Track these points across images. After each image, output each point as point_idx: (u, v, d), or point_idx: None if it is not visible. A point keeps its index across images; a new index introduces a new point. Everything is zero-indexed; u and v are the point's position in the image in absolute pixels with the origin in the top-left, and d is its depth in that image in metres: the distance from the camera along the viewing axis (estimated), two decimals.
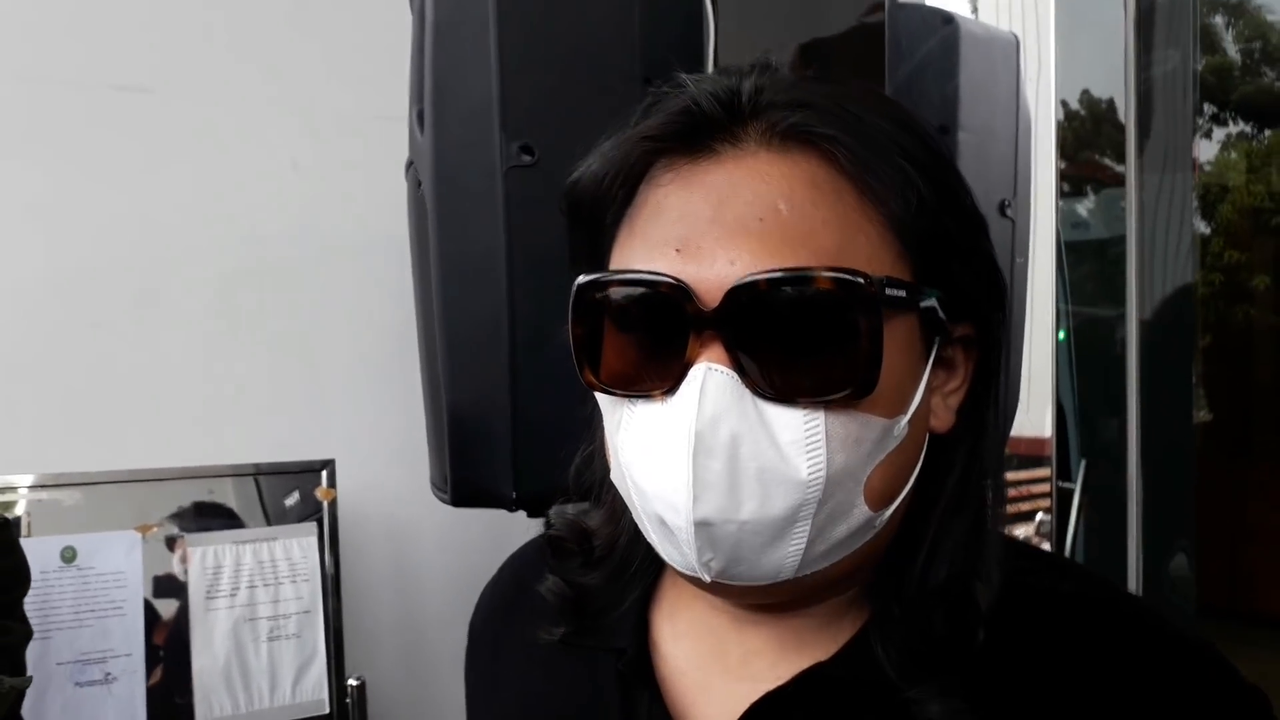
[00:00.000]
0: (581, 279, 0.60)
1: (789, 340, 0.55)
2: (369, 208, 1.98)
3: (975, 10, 1.75)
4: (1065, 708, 0.59)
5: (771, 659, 0.63)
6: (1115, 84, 1.60)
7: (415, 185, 1.22)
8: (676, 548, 0.58)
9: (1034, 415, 2.56)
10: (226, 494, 1.84)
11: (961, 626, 0.59)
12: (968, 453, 0.63)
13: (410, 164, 1.26)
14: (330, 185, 2.02)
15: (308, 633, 1.82)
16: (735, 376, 0.55)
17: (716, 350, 0.55)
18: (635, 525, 0.64)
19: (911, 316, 0.58)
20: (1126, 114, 1.66)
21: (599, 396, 0.63)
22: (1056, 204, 2.47)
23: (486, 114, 1.11)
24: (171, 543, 1.75)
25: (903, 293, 0.57)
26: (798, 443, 0.55)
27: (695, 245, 0.56)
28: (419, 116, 1.19)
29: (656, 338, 0.57)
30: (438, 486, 1.30)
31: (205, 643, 1.75)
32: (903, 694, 0.58)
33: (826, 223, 0.56)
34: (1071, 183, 2.29)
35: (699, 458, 0.55)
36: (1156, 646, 0.61)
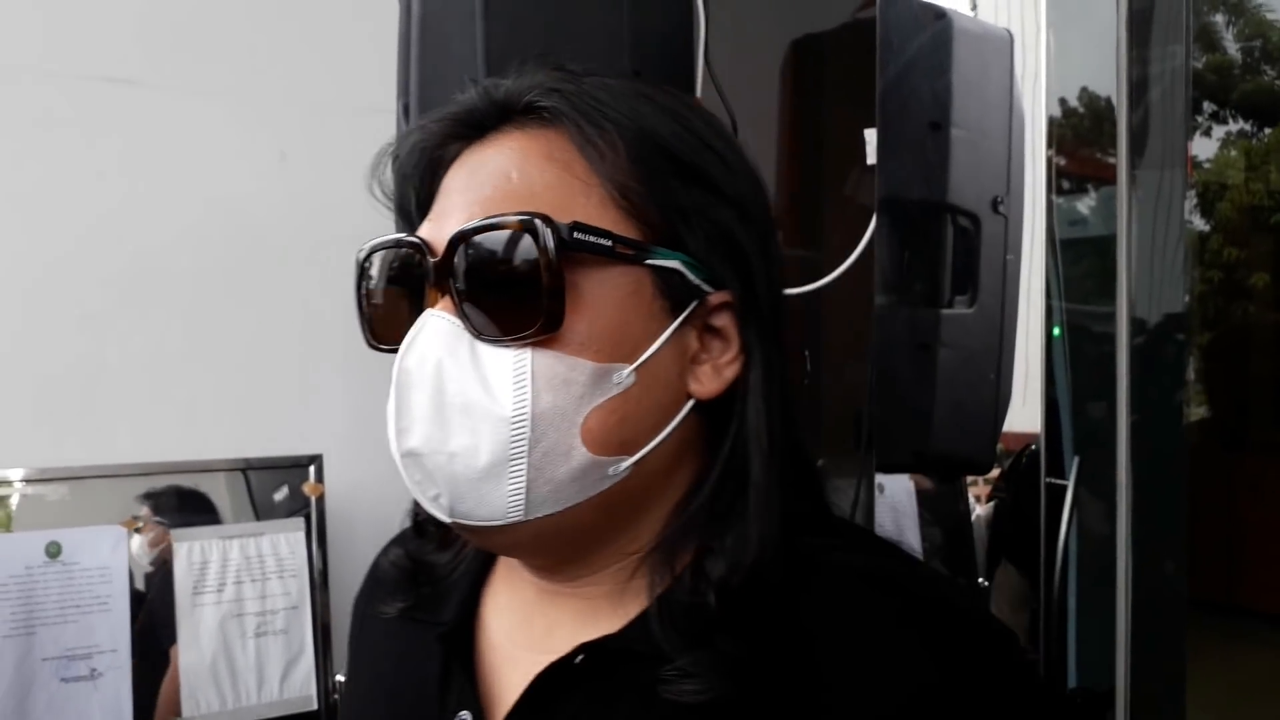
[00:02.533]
0: (361, 252, 0.68)
1: (492, 284, 0.61)
2: (357, 200, 1.96)
3: (974, 7, 1.74)
4: (834, 676, 0.60)
5: (571, 631, 0.66)
6: (1111, 81, 1.60)
7: None
8: (415, 487, 0.63)
9: (1029, 411, 2.55)
10: (216, 488, 1.83)
11: (729, 599, 0.61)
12: (739, 423, 0.65)
13: (395, 155, 1.25)
14: (318, 177, 2.01)
15: (295, 629, 1.81)
16: (456, 321, 0.61)
17: (440, 298, 0.62)
18: None
19: (636, 270, 0.62)
20: (1118, 110, 1.65)
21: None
22: (1050, 200, 2.46)
23: None
24: (158, 538, 1.74)
25: (607, 241, 0.61)
26: (504, 381, 0.60)
27: (441, 211, 0.64)
28: (405, 110, 1.18)
29: (407, 295, 0.64)
30: None
31: (192, 638, 1.74)
32: (672, 667, 0.60)
33: (549, 186, 0.62)
34: (1067, 180, 2.28)
35: (402, 390, 0.61)
36: (934, 621, 0.63)
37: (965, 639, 0.63)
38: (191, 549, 1.76)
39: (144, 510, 1.75)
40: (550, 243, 0.60)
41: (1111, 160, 1.83)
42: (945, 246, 1.43)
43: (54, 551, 1.65)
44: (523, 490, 0.60)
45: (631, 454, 0.63)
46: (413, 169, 0.69)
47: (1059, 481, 2.46)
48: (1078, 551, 2.49)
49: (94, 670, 1.66)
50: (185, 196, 1.93)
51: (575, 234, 0.60)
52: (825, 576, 0.64)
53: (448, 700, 0.69)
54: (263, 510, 1.87)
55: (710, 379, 0.66)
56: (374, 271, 0.67)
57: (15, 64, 1.83)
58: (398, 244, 0.65)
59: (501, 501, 0.61)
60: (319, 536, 1.85)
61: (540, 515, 0.62)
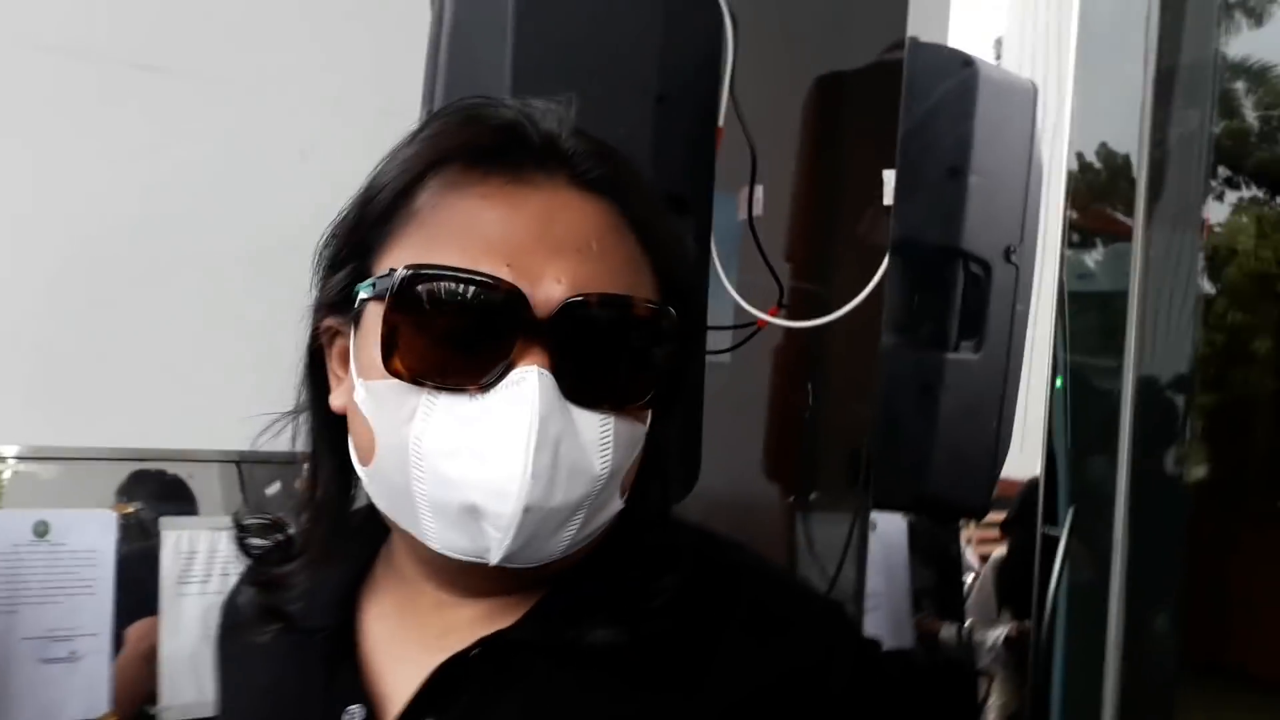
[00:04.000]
0: (408, 270, 0.64)
1: (604, 353, 0.64)
2: None
3: (999, 56, 1.75)
4: (714, 660, 0.68)
5: (466, 634, 0.69)
6: (1133, 139, 1.61)
7: None
8: (471, 534, 0.63)
9: (1026, 458, 2.55)
10: (209, 479, 1.83)
11: (636, 586, 0.68)
12: (658, 449, 0.72)
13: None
14: (335, 178, 2.01)
15: None
16: (553, 380, 0.62)
17: (542, 356, 0.62)
18: (344, 519, 0.73)
19: (674, 342, 0.69)
20: (1139, 170, 1.66)
21: (382, 389, 0.65)
22: (1063, 254, 2.46)
23: None
24: (145, 526, 1.74)
25: (672, 322, 0.68)
26: (594, 442, 0.64)
27: (524, 262, 0.63)
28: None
29: (479, 337, 0.63)
30: None
31: (174, 628, 1.73)
32: (564, 638, 0.66)
33: (623, 261, 0.67)
34: (1081, 233, 2.29)
35: (538, 451, 0.61)
36: (797, 610, 0.74)
37: (816, 621, 0.74)
38: (180, 538, 1.75)
39: (128, 501, 1.74)
40: (670, 334, 0.67)
41: (1126, 217, 1.83)
42: (955, 291, 1.44)
43: (42, 531, 1.64)
44: (573, 536, 0.65)
45: (627, 493, 0.70)
46: (409, 175, 0.68)
47: (1054, 532, 2.45)
48: (1067, 602, 2.49)
49: (73, 653, 1.65)
50: (203, 187, 1.94)
51: (673, 318, 0.68)
52: (701, 565, 0.71)
53: (333, 700, 0.70)
54: (254, 504, 1.86)
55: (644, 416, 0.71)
56: (431, 300, 0.64)
57: (49, 44, 1.84)
58: (487, 283, 0.63)
59: (554, 546, 0.65)
60: None
61: (567, 554, 0.67)
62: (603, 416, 0.64)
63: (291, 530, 0.78)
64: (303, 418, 0.78)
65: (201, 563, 1.76)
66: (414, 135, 0.71)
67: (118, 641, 1.69)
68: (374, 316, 0.66)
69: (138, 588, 1.71)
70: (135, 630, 1.70)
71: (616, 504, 0.68)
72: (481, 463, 0.62)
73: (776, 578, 0.79)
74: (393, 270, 0.65)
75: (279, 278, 1.97)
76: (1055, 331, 2.52)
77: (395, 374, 0.64)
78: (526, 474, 0.61)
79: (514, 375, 0.62)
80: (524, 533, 0.62)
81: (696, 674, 0.67)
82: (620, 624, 0.66)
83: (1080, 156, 2.14)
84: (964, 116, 1.33)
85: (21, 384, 1.83)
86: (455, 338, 0.64)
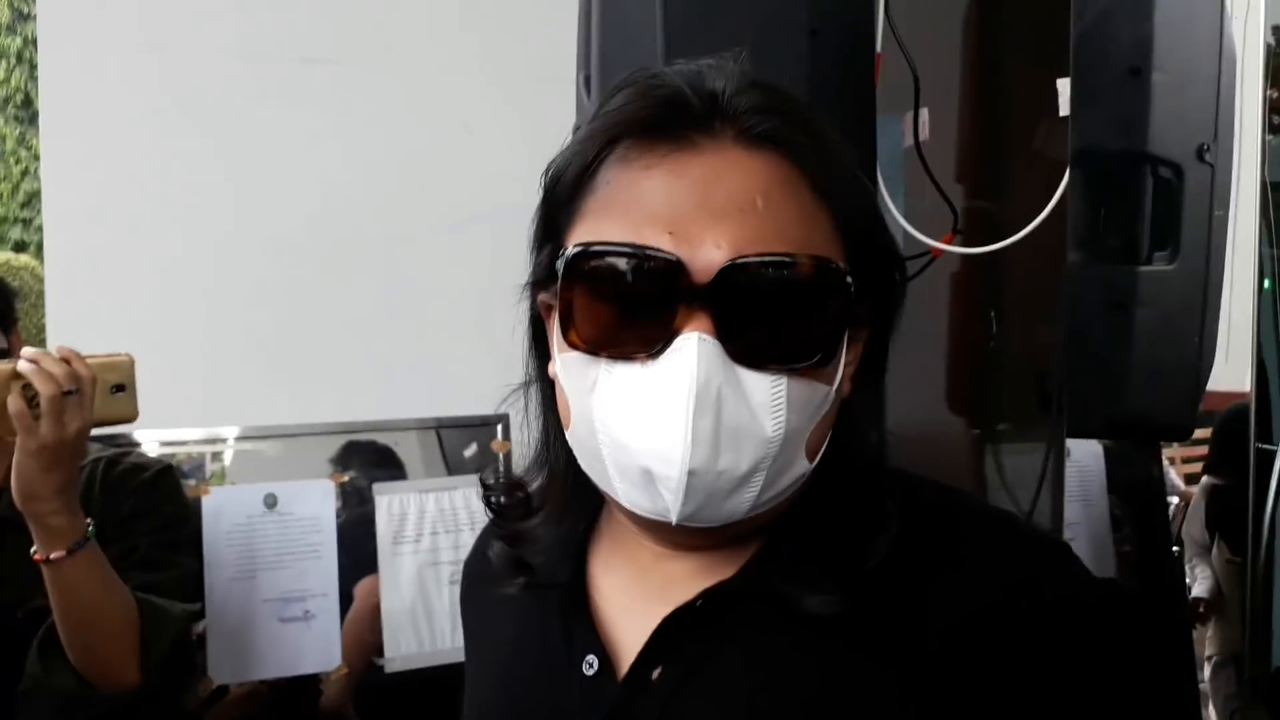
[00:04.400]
0: (577, 249, 0.67)
1: (769, 315, 0.64)
2: (539, 167, 2.01)
3: None
4: (927, 605, 0.68)
5: (687, 585, 0.71)
6: None
7: None
8: (651, 495, 0.66)
9: (1233, 369, 2.39)
10: (410, 445, 1.94)
11: (849, 546, 0.68)
12: (861, 412, 0.73)
13: (578, 128, 1.28)
14: (502, 145, 2.08)
15: None
16: (719, 345, 0.63)
17: (704, 321, 0.63)
18: (574, 478, 0.74)
19: (848, 295, 0.67)
20: None
21: (569, 359, 0.69)
22: (1264, 142, 2.28)
23: None
24: (361, 492, 1.87)
25: (850, 279, 0.66)
26: (765, 404, 0.64)
27: (685, 228, 0.64)
28: (585, 82, 1.21)
29: (643, 306, 0.65)
30: None
31: (393, 585, 1.86)
32: (783, 594, 0.68)
33: (795, 216, 0.66)
34: None
35: (697, 417, 0.62)
36: (1011, 544, 0.72)
37: (1033, 553, 0.72)
38: (391, 501, 1.87)
39: (343, 470, 1.87)
40: (841, 290, 0.65)
41: None
42: (1144, 199, 1.35)
43: (271, 502, 1.79)
44: (754, 498, 0.66)
45: (817, 454, 0.70)
46: (591, 153, 0.69)
47: (1269, 447, 2.30)
48: None
49: (307, 612, 1.80)
50: (378, 168, 2.03)
51: (849, 278, 0.66)
52: (914, 515, 0.70)
53: (573, 651, 0.74)
54: (453, 466, 1.97)
55: (848, 381, 0.71)
56: (598, 274, 0.66)
57: (221, 49, 1.97)
58: (644, 254, 0.64)
59: (734, 507, 0.66)
60: None
61: (755, 514, 0.68)
62: (774, 378, 0.64)
63: (531, 488, 0.81)
64: (533, 386, 0.79)
65: (413, 523, 1.88)
66: (593, 114, 0.72)
67: (345, 599, 1.83)
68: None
69: (358, 550, 1.85)
70: (363, 587, 1.85)
71: (803, 465, 0.68)
72: (649, 428, 0.64)
73: (995, 521, 0.76)
74: (565, 250, 0.68)
75: (456, 250, 2.07)
76: (1259, 229, 2.34)
77: (574, 346, 0.67)
78: (687, 439, 0.62)
79: (678, 342, 0.63)
80: (695, 495, 0.64)
81: (913, 628, 0.67)
82: (835, 586, 0.67)
83: (1277, 33, 1.97)
84: (1143, 10, 1.23)
85: (236, 370, 1.98)
86: (622, 309, 0.66)
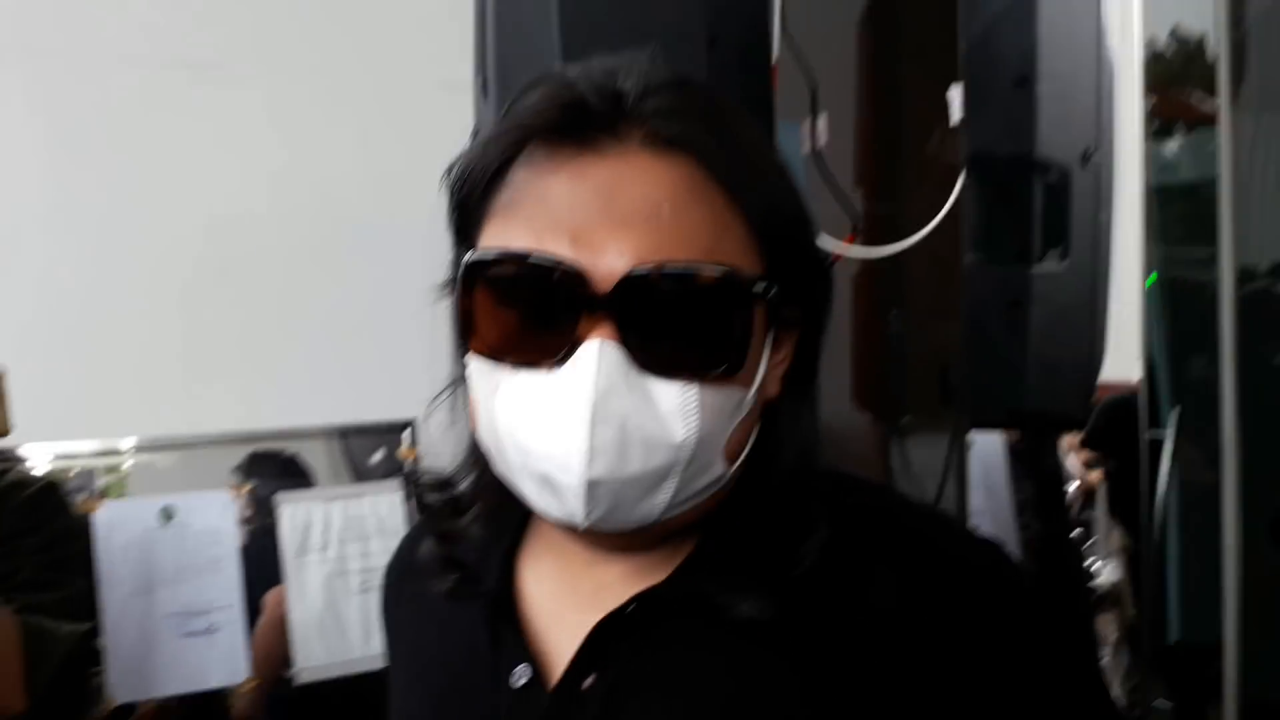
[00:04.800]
0: (476, 255, 0.67)
1: (673, 324, 0.64)
2: (438, 172, 1.99)
3: None
4: (861, 604, 0.68)
5: (619, 591, 0.70)
6: (1206, 19, 1.53)
7: None
8: (559, 501, 0.66)
9: (1122, 359, 2.48)
10: (315, 453, 1.91)
11: (780, 551, 0.68)
12: (791, 412, 0.72)
13: (475, 132, 1.27)
14: (400, 153, 2.05)
15: None
16: (623, 353, 0.63)
17: (608, 329, 0.63)
18: (499, 478, 0.72)
19: (762, 304, 0.67)
20: (1218, 47, 1.58)
21: (475, 365, 0.68)
22: (1145, 146, 2.36)
23: None
24: (262, 501, 1.83)
25: (762, 287, 0.66)
26: (674, 412, 0.64)
27: (588, 236, 0.63)
28: (483, 86, 1.20)
29: (545, 315, 0.65)
30: None
31: (299, 595, 1.82)
32: (716, 600, 0.67)
33: (702, 222, 0.64)
34: (1161, 124, 2.20)
35: (596, 426, 0.62)
36: (943, 545, 0.72)
37: (965, 553, 0.73)
38: (295, 510, 1.84)
39: (243, 481, 1.83)
40: (744, 299, 0.65)
41: (1207, 103, 1.75)
42: (1035, 202, 1.40)
43: (168, 515, 1.74)
44: (668, 501, 0.66)
45: (739, 458, 0.69)
46: (496, 156, 0.68)
47: (1158, 436, 2.39)
48: (1179, 504, 2.43)
49: (211, 625, 1.76)
50: (273, 176, 1.99)
51: (757, 286, 0.65)
52: (844, 515, 0.70)
53: (501, 661, 0.72)
54: (361, 473, 1.94)
55: (773, 382, 0.71)
56: (499, 282, 0.66)
57: (108, 54, 1.90)
58: (544, 263, 0.63)
59: (645, 511, 0.66)
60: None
61: (674, 516, 0.67)
62: (683, 385, 0.64)
63: (460, 487, 0.79)
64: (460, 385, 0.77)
65: (319, 532, 1.84)
66: (502, 114, 0.70)
67: (254, 611, 1.79)
68: None
69: (264, 561, 1.81)
70: (272, 597, 1.81)
71: (719, 468, 0.67)
72: (550, 436, 0.64)
73: (926, 521, 0.76)
74: (467, 253, 0.67)
75: (360, 254, 2.04)
76: (1143, 228, 2.43)
77: (477, 352, 0.67)
78: (585, 448, 0.62)
79: (580, 350, 0.63)
80: (601, 503, 0.64)
81: (846, 631, 0.67)
82: (765, 592, 0.67)
83: (1153, 43, 2.05)
84: (1026, 24, 1.27)
85: (132, 378, 1.92)
86: (524, 317, 0.66)
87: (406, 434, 1.92)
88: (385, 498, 1.90)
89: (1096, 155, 1.44)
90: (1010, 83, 1.29)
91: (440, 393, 0.78)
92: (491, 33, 1.17)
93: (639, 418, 0.63)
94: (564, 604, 0.74)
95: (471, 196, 0.69)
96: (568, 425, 0.63)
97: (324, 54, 2.03)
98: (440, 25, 1.78)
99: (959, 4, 1.24)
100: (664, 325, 0.63)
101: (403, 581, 0.86)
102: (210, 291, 1.98)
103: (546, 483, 0.65)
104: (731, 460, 0.68)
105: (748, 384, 0.67)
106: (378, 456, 1.95)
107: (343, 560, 1.86)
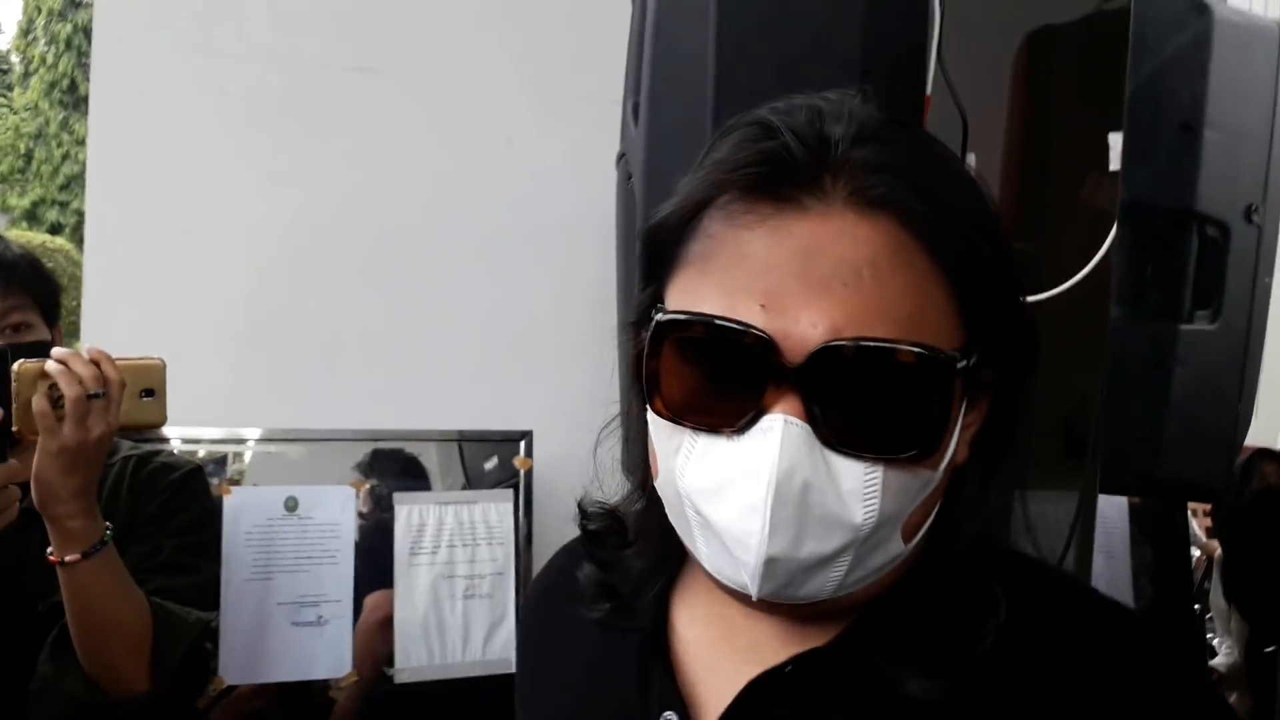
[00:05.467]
0: (666, 317, 0.64)
1: (864, 401, 0.60)
2: (578, 188, 2.02)
3: None
4: (1037, 692, 0.64)
5: (776, 646, 0.68)
6: None
7: (625, 177, 1.24)
8: (732, 571, 0.64)
9: (1262, 425, 2.35)
10: (430, 456, 1.94)
11: (954, 630, 0.65)
12: (979, 481, 0.68)
13: (622, 155, 1.28)
14: (543, 164, 2.08)
15: (500, 593, 1.90)
16: (808, 429, 0.60)
17: (794, 403, 0.60)
18: (666, 520, 0.70)
19: (962, 378, 0.63)
20: None
21: (657, 420, 0.66)
22: None
23: (701, 111, 1.11)
24: (380, 499, 1.87)
25: (965, 362, 0.62)
26: (856, 492, 0.60)
27: (781, 301, 0.60)
28: (634, 109, 1.21)
29: (732, 381, 0.61)
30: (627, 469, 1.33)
31: (407, 596, 1.85)
32: (883, 673, 0.64)
33: (903, 291, 0.60)
34: None
35: (776, 506, 0.59)
36: (1123, 641, 0.68)
37: (1151, 649, 0.68)
38: (411, 512, 1.87)
39: (356, 478, 1.88)
40: (945, 381, 0.61)
41: None
42: (1190, 257, 1.33)
43: (292, 506, 1.80)
44: (841, 578, 0.63)
45: (920, 533, 0.66)
46: (692, 202, 0.64)
47: None
48: None
49: (320, 617, 1.80)
50: (420, 178, 2.05)
51: (959, 364, 0.61)
52: (1019, 594, 0.67)
53: (649, 700, 0.71)
54: (473, 479, 1.97)
55: (963, 449, 0.66)
56: (688, 344, 0.64)
57: (272, 55, 1.99)
58: (739, 334, 0.60)
59: (818, 587, 0.63)
60: (526, 507, 1.93)
61: (841, 594, 0.64)
62: (868, 466, 0.60)
63: (626, 519, 0.78)
64: (633, 414, 0.76)
65: (430, 535, 1.88)
66: (701, 159, 0.67)
67: (356, 609, 1.83)
68: None
69: (376, 558, 1.85)
70: (371, 600, 1.85)
71: (897, 547, 0.64)
72: (729, 510, 0.61)
73: (1108, 614, 0.71)
74: (658, 312, 0.65)
75: (492, 263, 2.08)
76: None
77: (658, 413, 0.65)
78: (765, 529, 0.59)
79: (764, 422, 0.60)
80: (773, 579, 0.61)
81: (1028, 703, 0.64)
82: (941, 671, 0.63)
83: None
84: (1199, 69, 1.22)
85: (264, 372, 1.99)
86: (709, 381, 0.63)
87: (523, 444, 1.94)
88: (496, 505, 1.92)
89: (1261, 212, 1.37)
90: (1175, 129, 1.23)
91: (609, 423, 0.77)
92: (648, 58, 1.18)
93: (819, 496, 0.60)
94: (718, 652, 0.72)
95: (667, 236, 0.67)
96: (748, 503, 0.60)
97: (475, 64, 2.08)
98: (590, 43, 1.81)
99: (1130, 45, 1.20)
100: (855, 402, 0.60)
101: (550, 599, 0.86)
102: (351, 289, 2.04)
103: (724, 550, 0.63)
104: (909, 538, 0.64)
105: (937, 466, 0.63)
106: (491, 464, 1.98)
107: (451, 565, 1.89)
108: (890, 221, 0.61)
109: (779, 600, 0.63)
